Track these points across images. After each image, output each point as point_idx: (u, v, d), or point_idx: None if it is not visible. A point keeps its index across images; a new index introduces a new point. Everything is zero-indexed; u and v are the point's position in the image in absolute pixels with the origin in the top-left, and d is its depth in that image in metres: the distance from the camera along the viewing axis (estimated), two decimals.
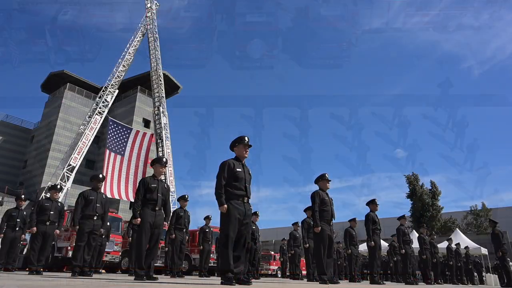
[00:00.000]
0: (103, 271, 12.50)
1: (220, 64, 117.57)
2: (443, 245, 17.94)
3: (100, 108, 27.23)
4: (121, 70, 29.14)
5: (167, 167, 28.40)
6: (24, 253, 13.46)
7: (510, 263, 15.31)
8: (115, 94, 28.68)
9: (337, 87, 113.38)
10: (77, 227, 6.33)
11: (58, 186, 8.15)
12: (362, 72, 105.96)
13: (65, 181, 24.15)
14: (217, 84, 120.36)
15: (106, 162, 19.99)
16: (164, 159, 5.75)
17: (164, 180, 5.98)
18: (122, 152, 20.79)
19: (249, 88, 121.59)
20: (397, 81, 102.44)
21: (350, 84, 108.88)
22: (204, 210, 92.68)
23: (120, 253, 13.00)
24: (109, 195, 18.65)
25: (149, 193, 5.39)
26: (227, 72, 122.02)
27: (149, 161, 7.01)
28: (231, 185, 4.35)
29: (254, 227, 10.48)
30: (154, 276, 5.24)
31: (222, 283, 4.01)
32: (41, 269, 7.26)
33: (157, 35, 31.55)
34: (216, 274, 13.57)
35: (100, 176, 6.93)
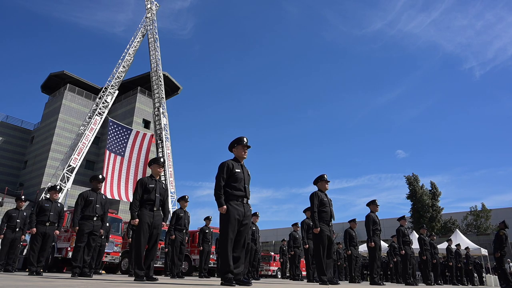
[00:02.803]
0: (103, 272, 12.50)
1: (222, 65, 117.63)
2: (443, 246, 17.94)
3: (100, 109, 27.21)
4: (121, 71, 29.12)
5: (167, 168, 28.33)
6: (24, 254, 13.46)
7: (510, 264, 15.31)
8: (115, 95, 28.64)
9: (338, 88, 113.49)
10: (77, 228, 6.32)
11: (58, 187, 8.15)
12: (363, 73, 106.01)
13: (65, 182, 24.12)
14: (218, 84, 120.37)
15: (106, 163, 19.99)
16: (161, 159, 5.75)
17: (163, 181, 5.97)
18: (122, 153, 20.78)
19: (250, 88, 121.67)
20: (398, 82, 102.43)
21: (351, 84, 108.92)
22: (204, 211, 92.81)
23: (120, 254, 13.00)
24: (109, 196, 18.65)
25: (146, 193, 5.38)
26: (229, 74, 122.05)
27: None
28: (230, 186, 4.35)
29: (254, 228, 10.48)
30: (154, 276, 5.23)
31: (222, 284, 4.00)
32: (41, 270, 7.26)
33: (157, 36, 31.55)
34: (216, 275, 13.57)
35: (100, 177, 6.93)
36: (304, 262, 10.47)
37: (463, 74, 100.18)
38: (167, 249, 9.16)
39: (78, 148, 25.41)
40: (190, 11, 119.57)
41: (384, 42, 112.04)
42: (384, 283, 10.04)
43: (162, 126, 29.12)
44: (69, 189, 24.46)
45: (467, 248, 17.24)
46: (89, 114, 27.37)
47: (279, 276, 20.58)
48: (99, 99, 27.93)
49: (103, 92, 28.06)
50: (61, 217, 7.79)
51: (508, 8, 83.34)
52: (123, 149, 20.90)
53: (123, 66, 29.30)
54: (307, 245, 9.38)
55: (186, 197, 9.36)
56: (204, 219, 11.15)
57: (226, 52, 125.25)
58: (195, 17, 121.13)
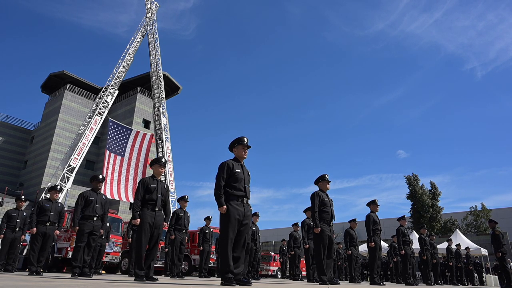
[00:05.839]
0: (103, 272, 12.49)
1: (223, 65, 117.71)
2: (443, 246, 17.94)
3: (100, 108, 27.21)
4: (121, 71, 29.12)
5: (167, 168, 28.36)
6: (24, 254, 13.46)
7: (511, 264, 15.31)
8: (115, 94, 28.64)
9: (340, 88, 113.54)
10: (77, 227, 6.32)
11: (58, 187, 8.14)
12: (365, 73, 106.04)
13: (65, 182, 24.12)
14: (219, 84, 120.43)
15: (106, 163, 19.98)
16: (163, 160, 5.74)
17: (163, 181, 5.96)
18: (122, 153, 20.76)
19: (251, 88, 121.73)
20: (400, 82, 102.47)
21: (353, 85, 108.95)
22: (205, 211, 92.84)
23: (120, 254, 12.99)
24: (109, 196, 18.63)
25: (148, 193, 5.38)
26: (230, 74, 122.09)
27: (149, 161, 7.04)
28: (231, 186, 4.34)
29: (254, 228, 10.48)
30: (154, 276, 5.23)
31: (222, 284, 4.00)
32: (41, 270, 7.26)
33: (157, 36, 31.56)
34: (216, 275, 13.57)
35: (100, 177, 6.92)
36: (304, 262, 10.47)
37: (464, 75, 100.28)
38: (167, 249, 9.16)
39: (78, 148, 25.41)
40: (193, 12, 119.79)
41: (386, 43, 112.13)
42: (384, 283, 10.03)
43: (162, 126, 29.12)
44: (69, 189, 24.46)
45: (467, 248, 17.24)
46: (89, 114, 27.37)
47: (279, 276, 20.58)
48: (99, 99, 27.92)
49: (103, 92, 28.05)
50: (61, 217, 7.78)
51: (510, 9, 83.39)
52: (123, 149, 20.89)
53: (123, 66, 29.30)
54: (307, 245, 9.38)
55: (186, 197, 9.37)
56: (204, 219, 11.15)
57: (227, 52, 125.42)
58: (198, 17, 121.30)
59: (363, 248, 19.73)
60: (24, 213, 8.65)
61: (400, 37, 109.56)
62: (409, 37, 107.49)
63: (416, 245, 13.62)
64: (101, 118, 27.06)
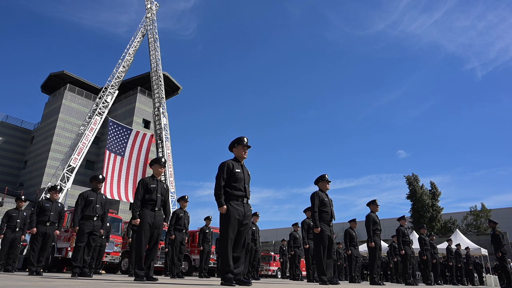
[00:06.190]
0: (103, 272, 12.49)
1: (222, 66, 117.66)
2: (443, 246, 17.95)
3: (100, 108, 27.20)
4: (121, 71, 29.11)
5: (167, 168, 28.35)
6: (24, 254, 13.46)
7: (511, 264, 15.31)
8: (115, 94, 28.63)
9: (340, 88, 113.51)
10: (77, 227, 6.32)
11: (58, 187, 8.14)
12: (365, 73, 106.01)
13: (65, 182, 24.12)
14: (219, 84, 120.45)
15: (106, 163, 19.98)
16: (163, 159, 5.74)
17: (163, 181, 5.96)
18: (122, 153, 20.77)
19: (251, 88, 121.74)
20: (400, 82, 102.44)
21: (353, 85, 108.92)
22: (205, 211, 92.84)
23: (120, 254, 12.99)
24: (109, 196, 18.63)
25: (148, 193, 5.38)
26: (230, 74, 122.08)
27: (149, 161, 7.07)
28: (230, 186, 4.34)
29: (254, 228, 10.48)
30: (154, 276, 5.23)
31: (222, 284, 4.00)
32: (41, 270, 7.25)
33: (157, 36, 31.55)
34: (216, 275, 13.57)
35: (100, 177, 6.92)
36: (304, 262, 10.47)
37: (464, 75, 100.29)
38: (167, 249, 9.17)
39: (78, 148, 25.40)
40: (193, 12, 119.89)
41: (386, 43, 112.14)
42: (384, 283, 10.04)
43: (162, 126, 29.12)
44: (69, 189, 24.45)
45: (467, 248, 17.24)
46: (89, 114, 27.36)
47: (279, 276, 20.58)
48: (99, 99, 27.91)
49: (103, 92, 28.05)
50: (61, 217, 7.78)
51: (510, 9, 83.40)
52: (123, 149, 20.89)
53: (123, 66, 29.29)
54: (307, 245, 9.38)
55: (186, 197, 9.37)
56: (204, 219, 11.16)
57: (228, 52, 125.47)
58: (198, 17, 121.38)
59: (363, 248, 19.73)
60: (24, 213, 8.65)
61: (400, 37, 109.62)
62: (409, 37, 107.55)
63: (416, 245, 13.62)
64: (101, 118, 27.06)
